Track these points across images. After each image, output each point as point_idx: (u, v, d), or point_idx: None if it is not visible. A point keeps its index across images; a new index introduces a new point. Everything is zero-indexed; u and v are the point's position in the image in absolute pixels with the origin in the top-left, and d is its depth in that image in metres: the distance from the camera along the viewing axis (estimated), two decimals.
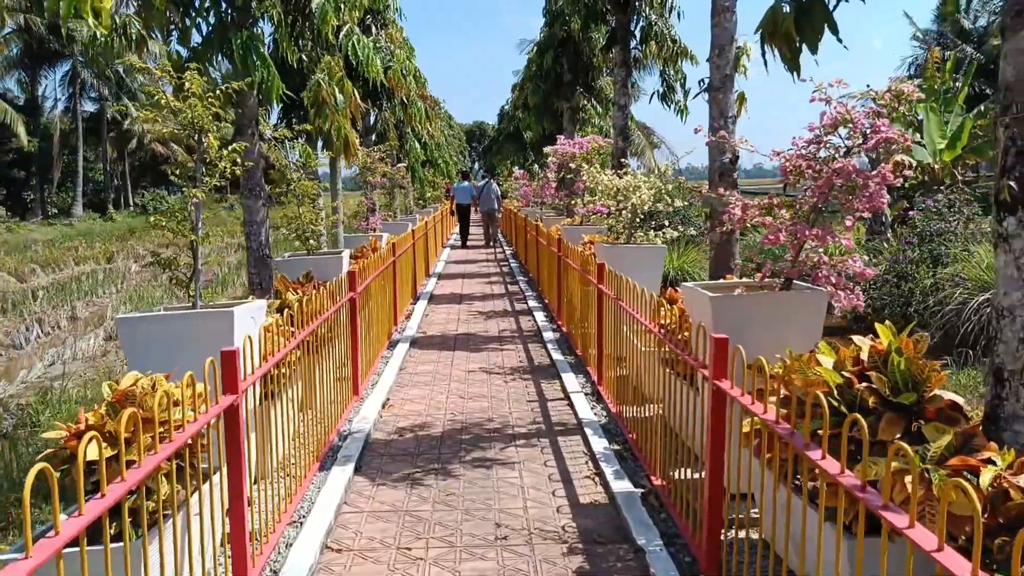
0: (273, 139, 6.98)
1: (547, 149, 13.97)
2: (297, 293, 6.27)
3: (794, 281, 4.03)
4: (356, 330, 6.35)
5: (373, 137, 14.88)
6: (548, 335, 8.99)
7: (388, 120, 13.47)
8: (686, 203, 8.07)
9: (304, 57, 6.50)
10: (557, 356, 7.87)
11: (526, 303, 11.68)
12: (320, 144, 8.87)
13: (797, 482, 3.34)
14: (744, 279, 4.53)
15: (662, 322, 4.62)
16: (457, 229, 28.72)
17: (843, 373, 2.95)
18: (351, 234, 10.93)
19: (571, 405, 6.23)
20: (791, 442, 2.57)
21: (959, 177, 10.02)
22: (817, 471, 2.36)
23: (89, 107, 50.98)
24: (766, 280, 4.08)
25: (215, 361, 3.12)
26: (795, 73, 4.54)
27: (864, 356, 2.98)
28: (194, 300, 4.18)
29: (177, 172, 4.16)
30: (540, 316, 10.33)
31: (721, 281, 4.77)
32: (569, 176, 12.23)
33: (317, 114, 6.15)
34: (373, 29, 9.79)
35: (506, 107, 34.07)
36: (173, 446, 2.65)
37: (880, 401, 2.78)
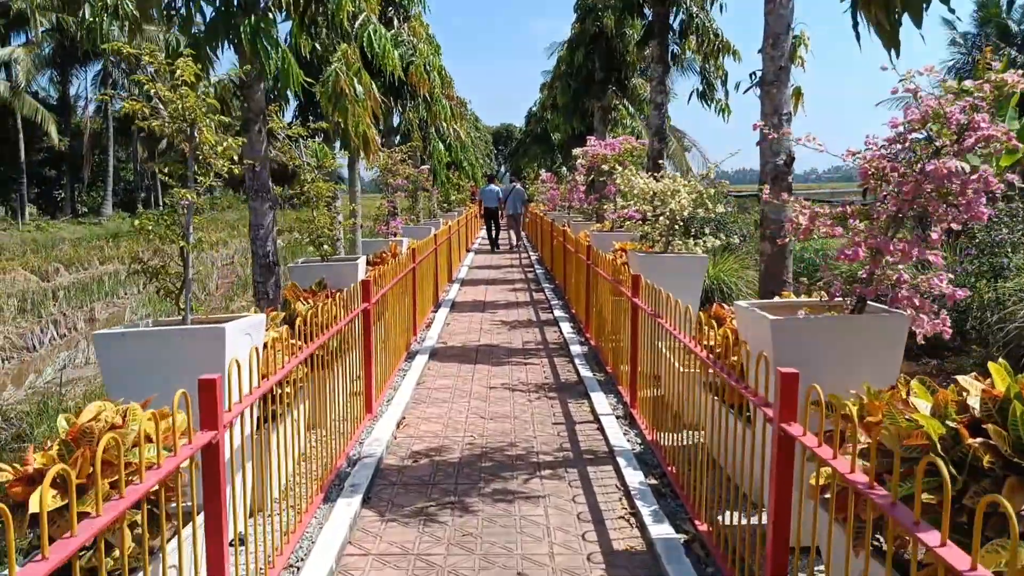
0: (287, 138, 6.54)
1: (576, 151, 13.46)
2: (308, 303, 5.81)
3: (868, 302, 3.48)
4: (370, 343, 5.88)
5: (397, 138, 14.46)
6: (575, 348, 8.46)
7: (412, 120, 13.05)
8: (728, 209, 7.49)
9: (318, 47, 6.06)
10: (585, 372, 7.34)
11: (552, 312, 11.16)
12: (338, 144, 8.45)
13: (877, 542, 2.81)
14: (805, 298, 3.98)
15: (707, 343, 4.09)
16: (482, 233, 28.63)
17: (947, 423, 2.40)
18: (371, 239, 10.48)
19: (601, 430, 5.71)
20: (892, 515, 2.03)
21: (1019, 184, 9.31)
22: (937, 563, 1.82)
23: (120, 107, 51.41)
24: (835, 300, 3.53)
25: (192, 390, 2.65)
26: (894, 52, 3.97)
27: (973, 402, 2.43)
28: (184, 314, 3.72)
29: (166, 171, 3.71)
30: (567, 327, 9.80)
31: (779, 300, 4.22)
32: (600, 179, 11.70)
33: (335, 107, 5.68)
34: (395, 22, 9.35)
35: (534, 108, 33.57)
36: (131, 497, 2.18)
37: (1001, 462, 2.23)
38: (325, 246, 6.78)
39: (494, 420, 5.99)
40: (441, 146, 13.96)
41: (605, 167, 10.13)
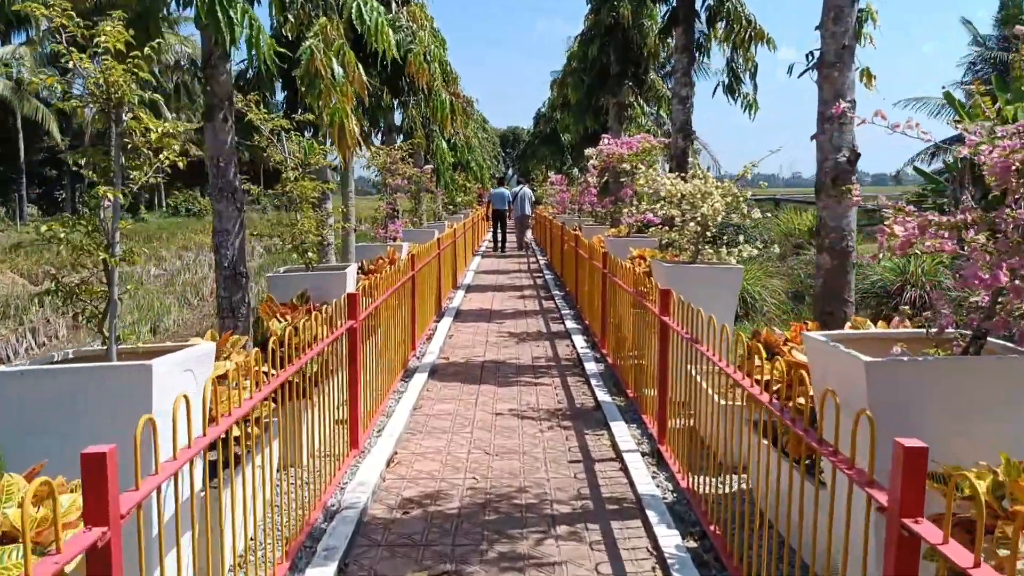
0: (270, 133, 5.77)
1: (588, 151, 12.65)
2: (285, 320, 5.02)
3: (989, 339, 2.66)
4: (357, 367, 5.09)
5: (400, 137, 13.68)
6: (590, 366, 7.65)
7: (414, 118, 12.29)
8: (766, 215, 6.63)
9: (291, 17, 5.25)
10: (603, 396, 6.53)
11: (563, 323, 10.35)
12: (330, 140, 7.68)
13: None
14: (884, 328, 3.15)
15: (760, 377, 3.28)
16: (489, 235, 28.03)
17: None
18: (368, 243, 9.69)
19: (625, 470, 4.89)
20: None
21: None
22: None
23: None
24: (944, 335, 2.71)
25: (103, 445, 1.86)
26: None
27: None
28: (108, 344, 2.93)
29: (83, 162, 2.93)
30: (580, 341, 8.99)
31: (857, 332, 3.40)
32: (615, 181, 10.90)
33: (308, 91, 4.89)
34: (393, 5, 8.55)
35: (542, 109, 32.73)
36: None
37: None
38: (310, 253, 5.99)
39: (500, 457, 5.18)
40: (445, 145, 13.13)
41: (623, 167, 9.32)
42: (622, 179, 10.52)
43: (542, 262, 19.40)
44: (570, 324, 10.16)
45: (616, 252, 8.66)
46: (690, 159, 8.85)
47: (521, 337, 9.50)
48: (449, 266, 12.88)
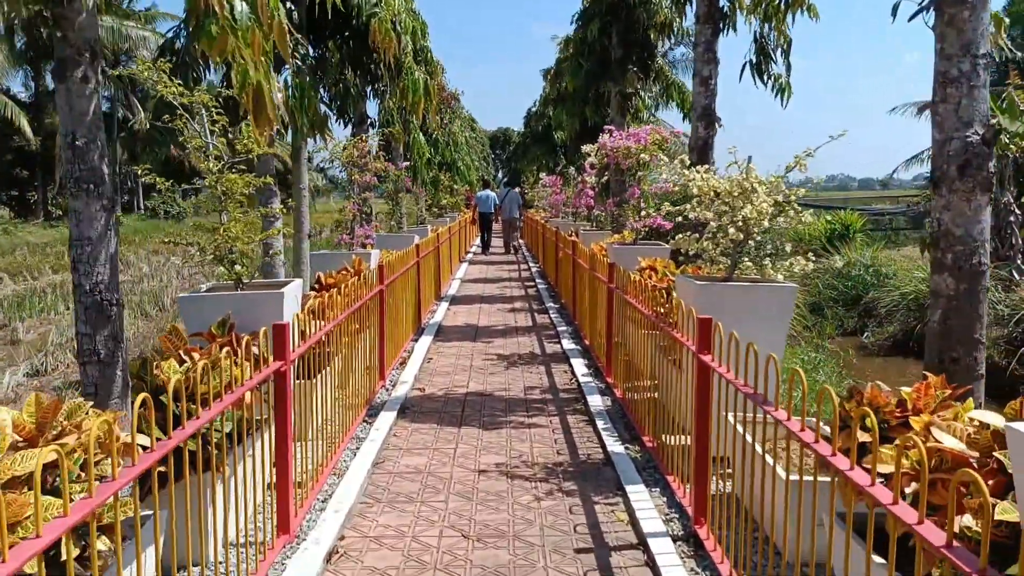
0: (183, 109, 4.43)
1: (586, 147, 11.34)
2: (189, 359, 3.69)
3: None
4: (287, 422, 3.75)
5: (374, 132, 12.33)
6: (595, 400, 6.34)
7: (391, 109, 10.96)
8: (814, 218, 5.31)
9: None
10: (614, 445, 5.21)
11: (559, 342, 9.04)
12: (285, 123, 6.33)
13: None
14: None
15: (853, 451, 2.00)
16: (478, 241, 26.90)
17: None
18: (333, 251, 8.31)
19: (652, 566, 3.58)
20: None
21: None
22: None
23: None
24: None
25: None
26: None
27: None
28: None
29: None
30: (580, 365, 7.68)
31: None
32: (617, 180, 9.62)
33: (194, 34, 3.53)
34: None
35: (533, 108, 31.46)
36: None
37: None
38: (238, 266, 4.64)
39: (483, 542, 3.85)
40: (422, 138, 11.71)
41: (630, 164, 8.02)
42: (628, 178, 9.23)
43: (534, 270, 18.09)
44: (568, 344, 8.84)
45: (621, 262, 7.37)
46: (713, 153, 7.59)
47: (511, 360, 8.17)
48: (431, 276, 11.54)
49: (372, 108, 14.71)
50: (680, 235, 4.94)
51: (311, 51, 6.76)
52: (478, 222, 23.65)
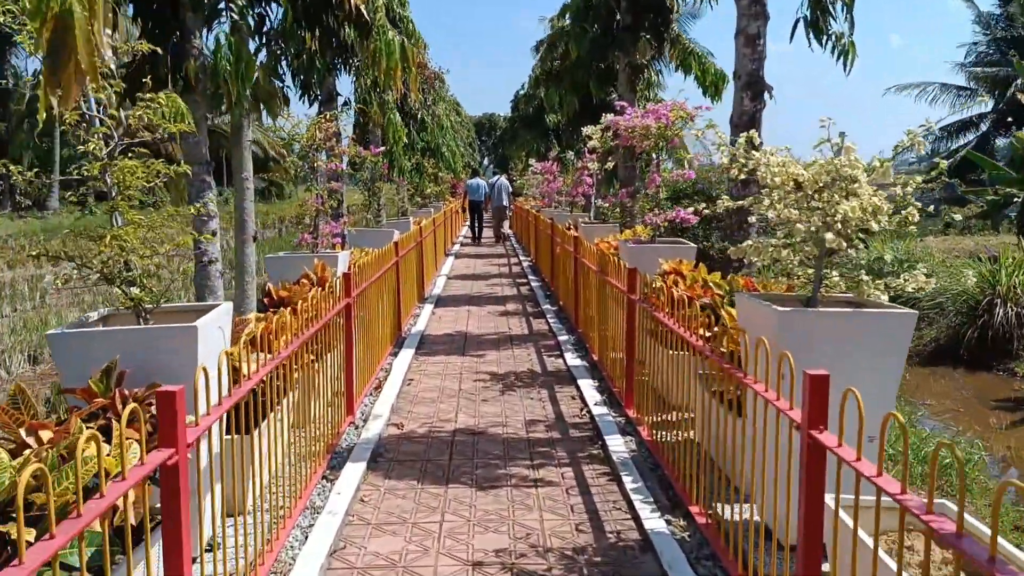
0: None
1: (588, 129, 10.04)
2: (37, 441, 2.38)
3: None
4: (181, 539, 2.45)
5: (346, 113, 10.94)
6: (616, 444, 5.08)
7: (367, 87, 9.59)
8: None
9: None
10: (652, 519, 3.95)
11: (562, 356, 7.77)
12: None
13: None
14: None
15: None
16: (463, 231, 26.65)
17: None
18: (293, 254, 6.90)
19: None
20: None
21: None
22: None
23: None
24: None
25: None
26: None
27: None
28: None
29: None
30: (590, 388, 6.43)
31: None
32: (627, 166, 8.34)
33: None
34: None
35: (521, 92, 29.98)
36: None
37: None
38: (136, 288, 3.32)
39: None
40: (398, 118, 10.28)
41: (646, 145, 6.70)
42: (640, 164, 7.95)
43: (525, 264, 16.78)
44: (572, 358, 7.57)
45: (638, 264, 6.11)
46: (760, 133, 6.29)
47: (507, 382, 6.89)
48: (412, 277, 10.22)
49: (346, 86, 13.33)
50: (751, 242, 3.65)
51: (252, 6, 5.40)
52: (468, 211, 23.51)
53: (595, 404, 5.99)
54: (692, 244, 6.81)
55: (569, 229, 11.42)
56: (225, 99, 4.70)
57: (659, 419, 4.89)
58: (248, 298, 5.45)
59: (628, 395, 5.75)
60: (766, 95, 6.18)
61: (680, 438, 4.26)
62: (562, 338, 8.55)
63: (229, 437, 3.30)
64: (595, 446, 5.19)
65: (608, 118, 8.06)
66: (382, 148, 10.48)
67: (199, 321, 3.29)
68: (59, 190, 42.93)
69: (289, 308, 3.98)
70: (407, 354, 7.79)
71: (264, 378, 3.31)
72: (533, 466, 4.82)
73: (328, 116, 6.96)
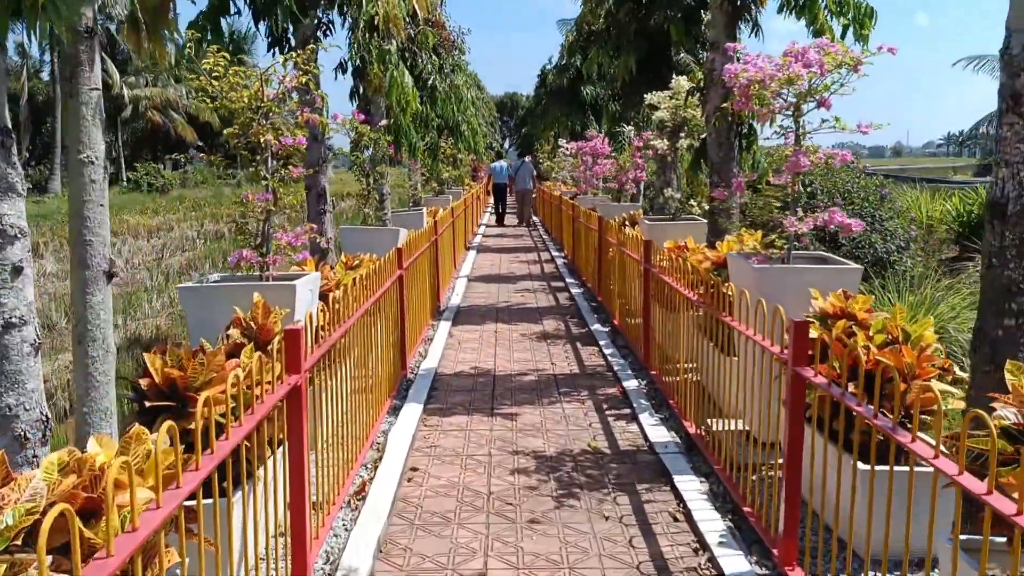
0: None
1: (653, 96, 7.53)
2: None
3: None
4: None
5: (349, 76, 8.46)
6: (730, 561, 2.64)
7: (362, 40, 7.12)
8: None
9: None
10: None
11: (636, 420, 5.35)
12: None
13: None
14: None
15: None
16: (484, 219, 25.48)
17: None
18: (223, 282, 4.19)
19: None
20: None
21: None
22: None
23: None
24: None
25: None
26: None
27: None
28: None
29: None
30: (696, 495, 4.00)
31: None
32: (723, 141, 5.85)
33: None
34: None
35: (548, 66, 27.28)
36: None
37: None
38: None
39: None
40: (407, 77, 7.67)
41: (778, 106, 4.22)
42: (750, 140, 5.52)
43: (559, 261, 14.31)
44: (653, 428, 5.13)
45: (772, 293, 3.68)
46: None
47: (562, 479, 4.47)
48: (423, 290, 7.82)
49: (340, 38, 10.82)
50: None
51: None
52: (492, 194, 23.75)
53: (719, 543, 3.54)
54: (853, 264, 4.33)
55: (624, 226, 8.95)
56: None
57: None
58: (94, 389, 3.08)
59: (789, 537, 3.30)
60: None
61: None
62: (630, 385, 6.11)
63: None
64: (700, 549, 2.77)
65: (724, 67, 5.55)
66: (384, 122, 8.02)
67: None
68: (60, 173, 40.97)
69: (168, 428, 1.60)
70: (411, 416, 5.38)
71: None
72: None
73: (296, 57, 4.47)
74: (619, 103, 11.82)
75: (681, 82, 7.62)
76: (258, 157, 4.17)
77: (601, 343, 7.57)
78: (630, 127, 10.58)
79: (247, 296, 3.83)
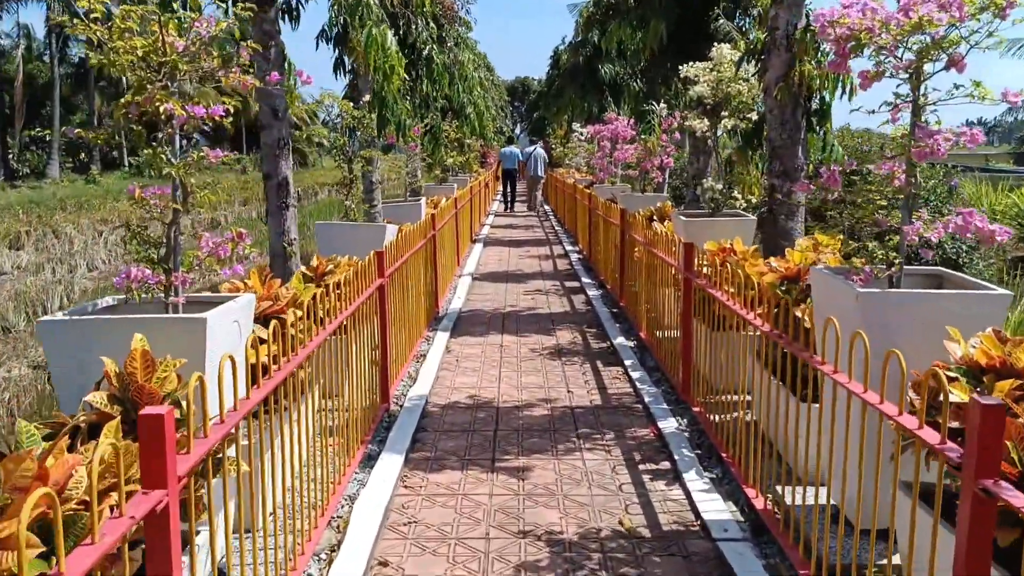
0: None
1: (689, 68, 6.27)
2: None
3: None
4: None
5: (328, 45, 7.20)
6: None
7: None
8: None
9: None
10: None
11: (679, 481, 4.12)
12: None
13: None
14: None
15: None
16: (493, 207, 24.32)
17: None
18: (87, 314, 3.09)
19: None
20: None
21: None
22: None
23: (78, 52, 43.94)
24: None
25: None
26: None
27: None
28: None
29: None
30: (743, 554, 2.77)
31: None
32: (787, 121, 4.61)
33: None
34: None
35: (562, 47, 25.85)
36: None
37: None
38: None
39: None
40: (390, 38, 6.27)
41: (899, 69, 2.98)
42: (821, 119, 4.26)
43: (574, 257, 13.04)
44: (703, 495, 3.91)
45: (870, 322, 2.43)
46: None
47: (582, 549, 3.24)
48: (417, 300, 6.59)
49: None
50: None
51: None
52: (501, 179, 23.68)
53: None
54: (998, 288, 3.07)
55: (652, 220, 7.69)
56: None
57: None
58: None
59: None
60: None
61: None
62: (668, 426, 4.88)
63: None
64: None
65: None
66: (367, 97, 6.75)
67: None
68: (59, 157, 39.89)
69: None
70: (387, 475, 4.17)
71: None
72: None
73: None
74: (643, 81, 10.53)
75: (724, 50, 6.36)
76: (159, 135, 2.97)
77: (627, 363, 6.34)
78: (662, 105, 9.29)
79: (131, 335, 2.61)
